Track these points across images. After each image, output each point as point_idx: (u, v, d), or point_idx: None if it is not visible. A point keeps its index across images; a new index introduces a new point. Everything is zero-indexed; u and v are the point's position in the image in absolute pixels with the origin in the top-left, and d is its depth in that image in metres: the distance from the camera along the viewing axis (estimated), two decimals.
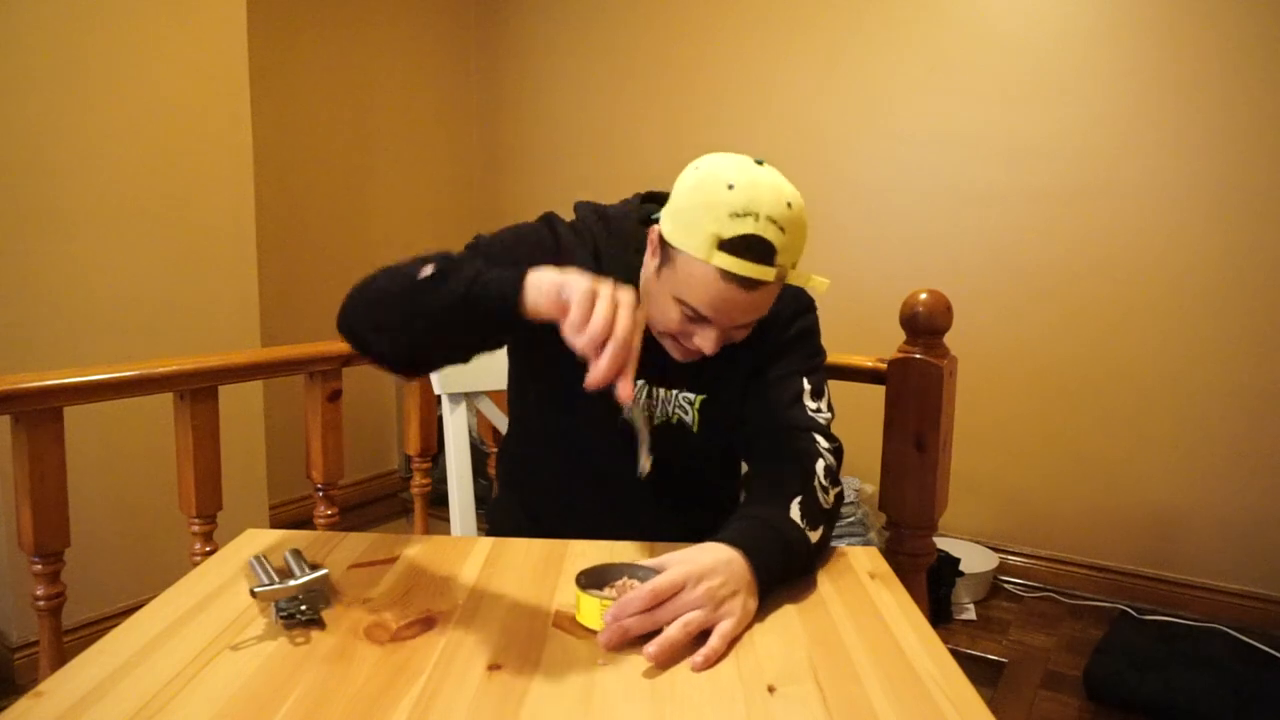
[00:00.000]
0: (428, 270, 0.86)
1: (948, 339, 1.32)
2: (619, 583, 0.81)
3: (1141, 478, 2.58)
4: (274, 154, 2.86)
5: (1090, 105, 2.54)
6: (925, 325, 1.28)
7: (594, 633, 0.75)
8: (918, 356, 1.28)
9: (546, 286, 0.79)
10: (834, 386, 1.29)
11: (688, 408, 1.11)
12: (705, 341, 0.96)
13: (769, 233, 0.89)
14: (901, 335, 1.32)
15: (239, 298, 2.37)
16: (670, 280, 0.96)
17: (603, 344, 0.75)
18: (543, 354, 1.10)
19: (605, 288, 0.77)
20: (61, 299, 2.02)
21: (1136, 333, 2.55)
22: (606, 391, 0.83)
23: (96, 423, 2.00)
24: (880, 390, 1.34)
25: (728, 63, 3.08)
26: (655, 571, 0.79)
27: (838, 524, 2.35)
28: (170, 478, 1.38)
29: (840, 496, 1.00)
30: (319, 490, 1.54)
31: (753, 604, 0.80)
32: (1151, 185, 2.49)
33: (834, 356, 1.37)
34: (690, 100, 3.21)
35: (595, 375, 0.75)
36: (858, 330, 2.39)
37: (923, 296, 1.28)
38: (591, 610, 0.76)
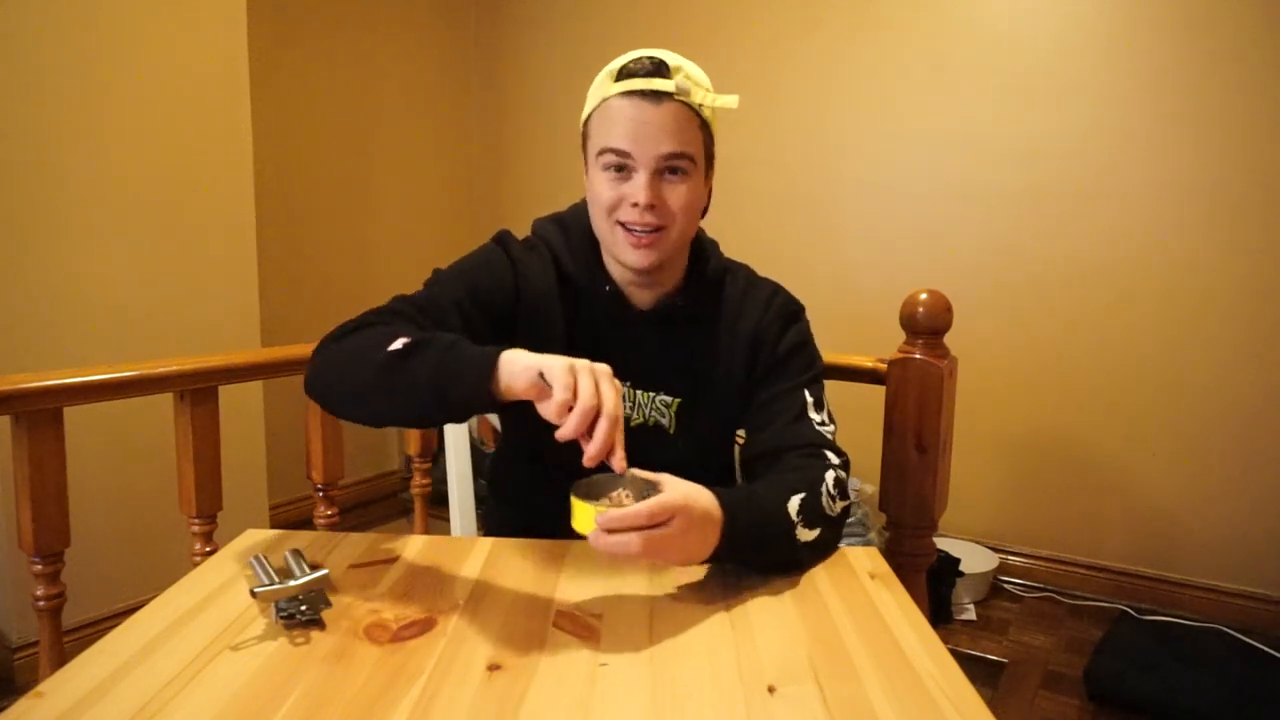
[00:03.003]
0: (396, 345, 0.85)
1: (948, 339, 1.32)
2: (614, 494, 0.84)
3: (1141, 478, 2.58)
4: (274, 154, 2.86)
5: (1090, 105, 2.54)
6: (925, 325, 1.28)
7: (583, 538, 0.78)
8: (918, 357, 1.28)
9: (521, 369, 0.78)
10: (834, 387, 1.29)
11: (665, 411, 1.10)
12: (637, 190, 0.98)
13: (657, 52, 0.99)
14: (901, 335, 1.32)
15: (239, 298, 2.37)
16: (593, 149, 1.01)
17: (593, 422, 0.75)
18: None
19: (583, 363, 0.77)
20: (61, 299, 2.02)
21: (1136, 333, 2.55)
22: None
23: (97, 422, 2.00)
24: (880, 390, 1.33)
25: (728, 63, 3.08)
26: (650, 485, 0.82)
27: None
28: (170, 477, 1.38)
29: (848, 510, 1.00)
30: (319, 490, 1.54)
31: (701, 554, 0.84)
32: (1152, 185, 2.49)
33: (834, 356, 1.37)
34: None
35: (591, 452, 0.75)
36: (858, 330, 2.38)
37: (923, 296, 1.28)
38: (585, 516, 0.77)
